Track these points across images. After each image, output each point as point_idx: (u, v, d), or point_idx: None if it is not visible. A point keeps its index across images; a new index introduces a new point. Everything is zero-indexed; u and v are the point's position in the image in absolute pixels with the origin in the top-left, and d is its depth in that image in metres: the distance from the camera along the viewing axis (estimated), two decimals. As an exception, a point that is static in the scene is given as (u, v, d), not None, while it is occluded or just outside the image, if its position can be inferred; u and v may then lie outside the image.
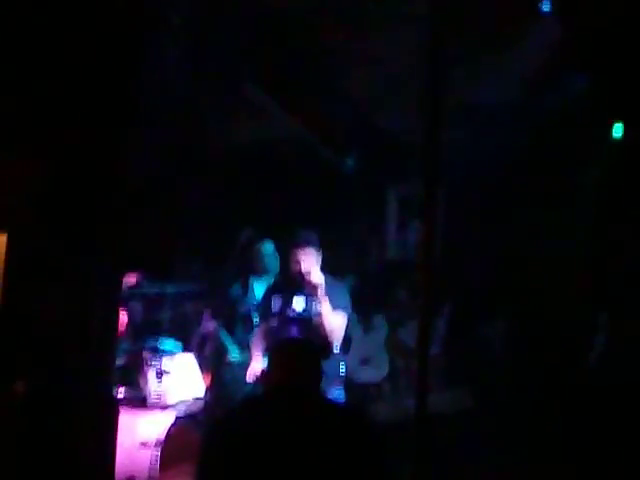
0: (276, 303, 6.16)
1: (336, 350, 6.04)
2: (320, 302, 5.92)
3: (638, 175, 7.35)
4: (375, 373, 7.96)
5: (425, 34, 4.56)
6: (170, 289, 7.38)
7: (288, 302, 6.12)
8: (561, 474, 5.64)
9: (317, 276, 5.95)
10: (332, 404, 4.65)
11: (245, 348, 6.86)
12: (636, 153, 7.34)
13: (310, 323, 6.00)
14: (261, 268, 7.27)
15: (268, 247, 7.33)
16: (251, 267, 7.36)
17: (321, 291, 5.91)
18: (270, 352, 4.27)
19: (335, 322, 5.95)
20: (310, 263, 5.99)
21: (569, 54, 6.67)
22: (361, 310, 7.89)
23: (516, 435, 6.35)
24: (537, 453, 6.01)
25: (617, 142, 7.44)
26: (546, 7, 5.90)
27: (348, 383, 6.85)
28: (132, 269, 6.66)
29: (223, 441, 3.88)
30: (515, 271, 7.73)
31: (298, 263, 6.02)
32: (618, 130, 7.43)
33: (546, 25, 6.12)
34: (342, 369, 6.16)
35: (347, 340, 6.35)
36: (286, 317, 6.07)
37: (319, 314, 5.94)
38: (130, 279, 6.85)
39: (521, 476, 5.74)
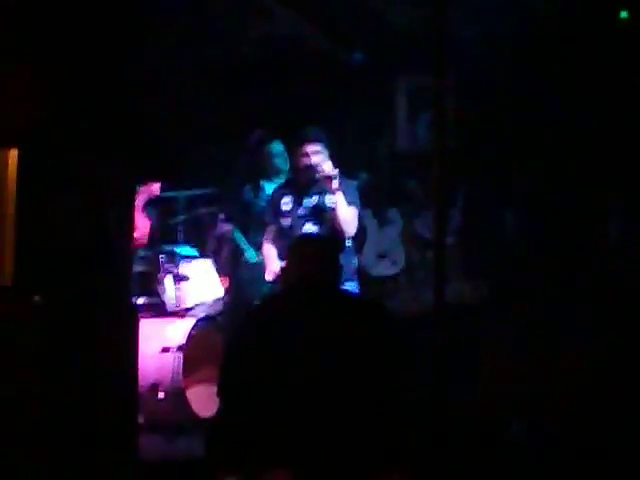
0: (287, 201, 6.17)
1: (349, 244, 6.07)
2: (333, 194, 5.92)
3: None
4: (392, 266, 7.98)
5: None
6: (183, 194, 7.38)
7: (299, 199, 6.12)
8: (578, 358, 5.68)
9: (329, 167, 5.94)
10: (352, 297, 4.69)
11: (261, 249, 6.88)
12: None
13: (323, 218, 6.01)
14: (272, 169, 7.25)
15: (277, 147, 7.30)
16: (262, 168, 7.34)
17: (335, 182, 5.91)
18: (287, 250, 4.28)
19: (348, 215, 5.96)
20: (319, 157, 5.99)
21: None
22: (375, 204, 7.89)
23: (533, 321, 6.38)
24: (554, 338, 6.05)
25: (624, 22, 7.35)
26: None
27: (365, 277, 6.89)
28: (146, 176, 6.67)
29: (246, 340, 3.92)
30: (529, 156, 7.67)
31: (307, 157, 6.01)
32: (624, 13, 7.34)
33: None
34: (355, 263, 6.19)
35: (361, 235, 6.36)
36: (298, 214, 6.09)
37: (332, 208, 5.95)
38: (151, 188, 6.85)
39: (538, 362, 5.78)
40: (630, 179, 7.19)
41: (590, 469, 4.53)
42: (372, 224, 7.91)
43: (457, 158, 6.61)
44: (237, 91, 8.07)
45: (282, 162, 7.20)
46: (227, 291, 6.89)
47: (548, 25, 7.47)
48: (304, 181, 6.11)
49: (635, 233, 7.07)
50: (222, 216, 7.39)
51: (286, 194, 6.21)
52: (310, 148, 6.01)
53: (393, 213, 8.08)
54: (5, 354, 3.52)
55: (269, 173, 7.27)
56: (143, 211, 6.86)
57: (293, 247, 4.30)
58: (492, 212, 7.95)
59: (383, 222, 8.02)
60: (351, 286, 5.89)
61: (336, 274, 4.15)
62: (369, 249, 7.85)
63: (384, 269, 7.92)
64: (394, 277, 7.97)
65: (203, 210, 7.43)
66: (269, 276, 6.15)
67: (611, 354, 5.57)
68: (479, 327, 6.54)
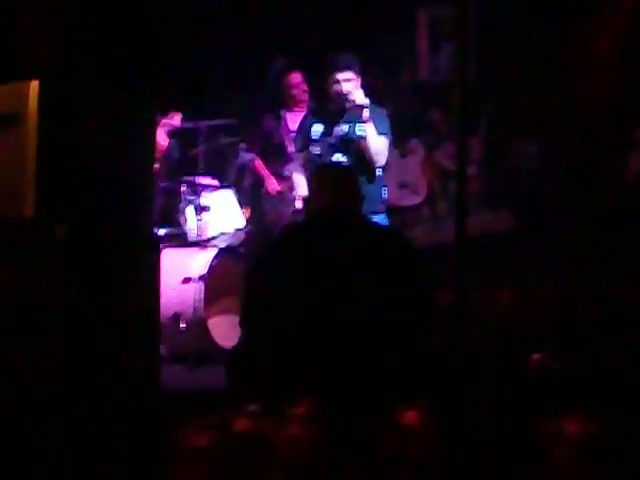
0: (317, 130, 6.13)
1: (379, 173, 6.04)
2: (364, 124, 5.88)
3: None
4: (413, 196, 7.96)
5: None
6: (204, 124, 7.36)
7: (330, 128, 6.08)
8: (600, 289, 5.67)
9: (360, 97, 5.90)
10: (374, 225, 4.69)
11: (282, 178, 6.88)
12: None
13: (353, 147, 5.97)
14: (293, 98, 7.22)
15: (298, 77, 7.26)
16: (283, 98, 7.30)
17: (366, 112, 5.87)
18: (310, 178, 4.29)
19: (379, 145, 5.93)
20: (351, 85, 5.94)
21: None
22: (396, 134, 7.85)
23: (556, 252, 6.36)
24: (576, 268, 6.04)
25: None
26: None
27: (387, 208, 6.89)
28: (167, 107, 6.65)
29: (267, 270, 3.94)
30: (549, 85, 7.59)
31: (339, 85, 5.95)
32: None
33: None
34: (384, 193, 6.17)
35: (384, 165, 6.35)
36: (328, 143, 6.05)
37: (363, 137, 5.91)
38: (172, 120, 6.84)
39: (562, 292, 5.78)
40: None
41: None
42: (393, 154, 7.88)
43: (478, 87, 6.55)
44: (258, 20, 8.00)
45: (301, 92, 7.17)
46: (248, 221, 6.90)
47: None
48: (334, 109, 6.07)
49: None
50: (243, 146, 7.37)
51: (317, 122, 6.17)
52: (341, 76, 5.95)
53: (414, 143, 8.04)
54: (26, 287, 3.54)
55: (290, 102, 7.24)
56: (163, 142, 6.87)
57: (314, 177, 4.30)
58: (514, 141, 7.89)
59: (404, 152, 7.98)
60: (380, 219, 5.87)
61: (358, 202, 4.15)
62: (391, 179, 7.82)
63: (405, 199, 7.90)
64: (415, 207, 7.96)
65: (224, 140, 7.41)
66: (298, 204, 6.14)
67: (635, 286, 5.55)
68: (502, 257, 6.53)
